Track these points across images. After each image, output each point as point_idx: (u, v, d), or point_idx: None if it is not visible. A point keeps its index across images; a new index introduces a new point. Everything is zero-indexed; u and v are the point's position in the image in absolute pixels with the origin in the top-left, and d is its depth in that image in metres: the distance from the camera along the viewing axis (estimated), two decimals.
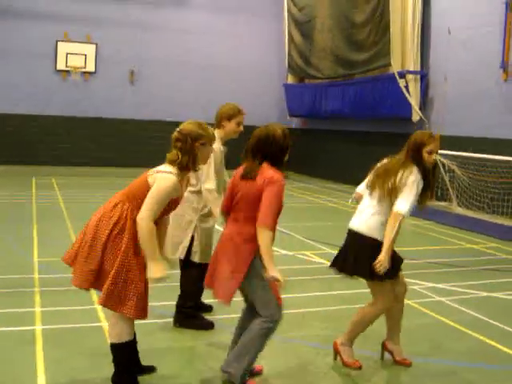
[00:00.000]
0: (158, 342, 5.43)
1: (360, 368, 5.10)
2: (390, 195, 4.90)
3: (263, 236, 4.33)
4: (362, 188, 5.32)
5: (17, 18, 21.18)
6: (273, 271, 4.28)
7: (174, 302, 5.96)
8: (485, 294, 7.65)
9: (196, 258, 5.82)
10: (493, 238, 11.54)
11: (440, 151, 14.93)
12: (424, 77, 17.02)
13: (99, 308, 6.24)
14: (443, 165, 15.01)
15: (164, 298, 6.32)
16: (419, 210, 5.19)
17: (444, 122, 16.07)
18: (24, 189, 15.50)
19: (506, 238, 11.47)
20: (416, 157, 5.02)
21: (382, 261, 4.75)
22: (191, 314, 5.94)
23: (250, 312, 4.67)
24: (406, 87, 16.76)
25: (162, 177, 4.35)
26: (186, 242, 5.80)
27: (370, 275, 4.93)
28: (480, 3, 15.40)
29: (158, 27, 22.80)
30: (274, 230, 4.46)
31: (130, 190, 4.48)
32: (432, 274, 8.49)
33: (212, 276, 4.64)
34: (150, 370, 4.84)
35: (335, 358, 5.23)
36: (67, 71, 22.07)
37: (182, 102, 22.38)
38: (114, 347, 4.47)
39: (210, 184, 5.71)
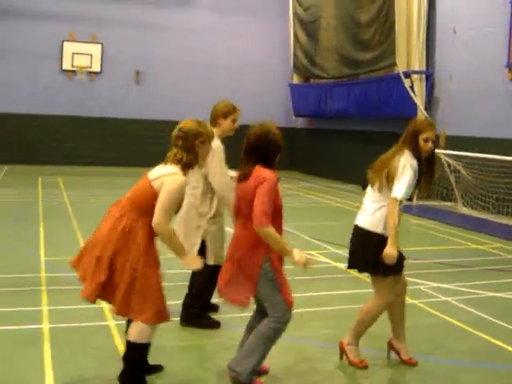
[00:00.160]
0: (164, 341, 5.45)
1: (366, 367, 5.11)
2: (388, 183, 4.92)
3: (263, 235, 4.34)
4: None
5: (22, 18, 21.26)
6: (294, 256, 4.37)
7: (181, 302, 5.98)
8: (490, 294, 7.65)
9: (210, 262, 5.83)
10: (498, 238, 11.53)
11: (445, 151, 15.10)
12: (429, 76, 17.02)
13: (106, 307, 6.27)
14: (448, 165, 15.02)
15: (171, 297, 6.30)
16: (422, 193, 5.18)
17: (449, 122, 16.07)
18: (30, 188, 15.56)
19: (511, 239, 11.46)
20: (412, 143, 5.04)
21: (388, 252, 4.77)
22: (198, 313, 5.96)
23: (260, 313, 4.69)
24: (412, 87, 16.75)
25: (172, 179, 4.36)
26: (197, 247, 5.82)
27: (375, 270, 4.96)
28: (485, 3, 15.40)
29: (163, 27, 22.85)
30: (277, 226, 4.46)
31: (134, 198, 4.47)
32: (437, 274, 8.49)
33: (225, 281, 4.64)
34: (157, 369, 4.86)
35: (341, 358, 5.25)
36: (73, 71, 22.15)
37: (187, 102, 22.36)
38: (131, 346, 4.46)
39: (227, 178, 5.73)
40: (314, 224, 12.41)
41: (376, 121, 19.09)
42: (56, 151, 21.82)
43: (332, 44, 21.19)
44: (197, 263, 4.46)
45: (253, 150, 4.54)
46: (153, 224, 4.29)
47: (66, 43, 21.95)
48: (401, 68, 17.04)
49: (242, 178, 4.55)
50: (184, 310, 5.96)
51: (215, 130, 5.82)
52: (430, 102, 17.01)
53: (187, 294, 5.98)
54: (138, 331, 4.42)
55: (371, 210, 5.03)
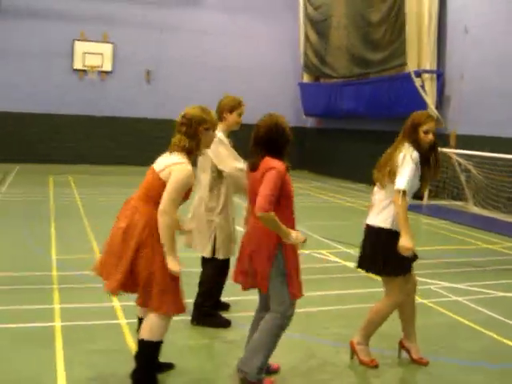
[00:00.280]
0: (176, 340, 5.47)
1: (377, 366, 5.12)
2: (391, 179, 4.92)
3: (263, 219, 4.30)
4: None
5: (34, 17, 21.35)
6: (291, 236, 4.36)
7: (192, 301, 6.00)
8: (501, 293, 7.63)
9: (220, 255, 5.87)
10: (509, 237, 11.49)
11: (456, 150, 15.06)
12: (440, 76, 16.96)
13: (117, 306, 6.31)
14: (459, 164, 14.98)
15: None
16: (423, 187, 5.17)
17: (460, 121, 16.03)
18: (41, 187, 15.64)
19: None
20: (412, 136, 5.03)
21: (403, 244, 4.77)
22: (209, 312, 5.98)
23: (263, 310, 4.70)
24: (422, 86, 16.71)
25: (179, 168, 4.38)
26: (212, 242, 5.84)
27: (384, 270, 4.96)
28: (496, 1, 15.32)
29: (174, 28, 22.92)
30: (288, 216, 4.48)
31: (145, 192, 4.49)
32: (448, 274, 8.47)
33: (241, 272, 4.65)
34: (168, 367, 4.89)
35: (352, 357, 5.25)
36: (84, 70, 22.23)
37: (197, 102, 21.90)
38: (144, 344, 4.48)
39: (240, 164, 5.74)
40: (324, 223, 12.41)
41: (386, 120, 19.02)
42: (67, 150, 21.93)
43: (342, 43, 21.17)
44: (175, 266, 4.35)
45: (262, 140, 4.53)
46: (159, 211, 4.30)
47: (77, 42, 22.05)
48: (411, 67, 17.00)
49: (251, 168, 4.55)
50: (195, 309, 5.97)
51: (221, 125, 5.85)
52: (441, 102, 16.96)
53: (198, 293, 6.00)
54: (149, 329, 4.44)
55: (380, 208, 5.03)
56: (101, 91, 22.47)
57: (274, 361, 4.83)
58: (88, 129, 22.20)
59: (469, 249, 10.41)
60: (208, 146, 4.77)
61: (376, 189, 5.15)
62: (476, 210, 14.57)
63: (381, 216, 5.00)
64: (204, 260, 5.98)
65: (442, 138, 16.08)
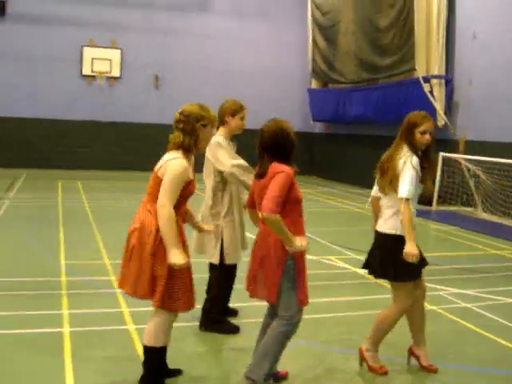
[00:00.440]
0: (184, 346, 5.47)
1: (386, 373, 5.09)
2: (394, 187, 4.91)
3: (268, 221, 4.27)
4: (375, 190, 5.34)
5: (45, 24, 21.44)
6: (295, 243, 4.34)
7: (200, 307, 5.99)
8: (510, 300, 7.58)
9: (227, 260, 5.86)
10: None
11: (465, 156, 15.01)
12: (449, 81, 16.92)
13: (126, 311, 6.31)
14: (468, 170, 14.94)
15: None
16: (423, 190, 5.16)
17: (469, 127, 15.99)
18: (50, 192, 15.68)
19: None
20: (409, 137, 5.03)
21: (407, 250, 4.75)
22: (217, 318, 5.97)
23: (272, 316, 4.68)
24: (431, 92, 16.68)
25: (173, 163, 4.41)
26: (218, 248, 5.84)
27: (394, 276, 4.95)
28: (505, 7, 15.28)
29: (181, 33, 22.95)
30: (296, 220, 4.47)
31: (149, 192, 4.55)
32: (457, 280, 8.44)
33: (251, 279, 4.63)
34: (177, 373, 4.88)
35: (361, 364, 5.23)
36: (93, 76, 22.30)
37: None
38: (149, 350, 4.50)
39: (235, 160, 5.74)
40: (333, 229, 12.39)
41: (395, 126, 18.78)
42: (76, 156, 21.97)
43: (351, 48, 21.15)
44: (181, 259, 4.31)
45: (268, 145, 4.50)
46: (157, 205, 4.33)
47: (85, 48, 22.13)
48: (420, 73, 16.97)
49: (261, 174, 4.52)
50: (203, 316, 5.97)
51: (223, 129, 5.85)
52: (450, 107, 16.91)
53: (206, 299, 5.99)
54: (151, 335, 4.47)
55: (388, 215, 5.03)
56: (109, 97, 22.53)
57: (283, 367, 4.81)
58: (94, 134, 22.24)
59: (478, 255, 10.37)
60: (207, 143, 4.80)
61: (382, 195, 5.14)
62: (485, 215, 14.52)
63: (388, 222, 5.00)
64: (211, 266, 5.98)
65: (451, 144, 16.06)
